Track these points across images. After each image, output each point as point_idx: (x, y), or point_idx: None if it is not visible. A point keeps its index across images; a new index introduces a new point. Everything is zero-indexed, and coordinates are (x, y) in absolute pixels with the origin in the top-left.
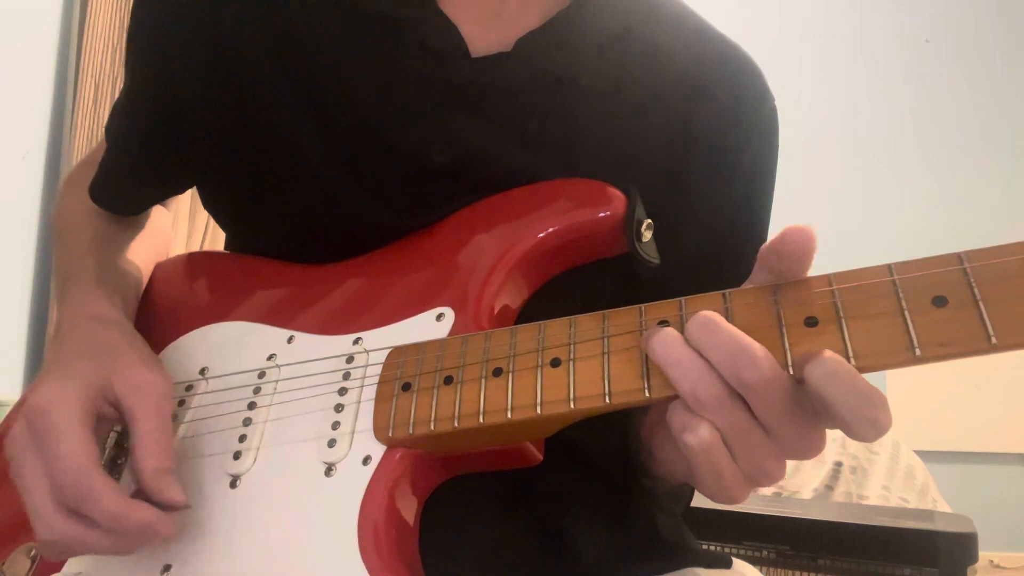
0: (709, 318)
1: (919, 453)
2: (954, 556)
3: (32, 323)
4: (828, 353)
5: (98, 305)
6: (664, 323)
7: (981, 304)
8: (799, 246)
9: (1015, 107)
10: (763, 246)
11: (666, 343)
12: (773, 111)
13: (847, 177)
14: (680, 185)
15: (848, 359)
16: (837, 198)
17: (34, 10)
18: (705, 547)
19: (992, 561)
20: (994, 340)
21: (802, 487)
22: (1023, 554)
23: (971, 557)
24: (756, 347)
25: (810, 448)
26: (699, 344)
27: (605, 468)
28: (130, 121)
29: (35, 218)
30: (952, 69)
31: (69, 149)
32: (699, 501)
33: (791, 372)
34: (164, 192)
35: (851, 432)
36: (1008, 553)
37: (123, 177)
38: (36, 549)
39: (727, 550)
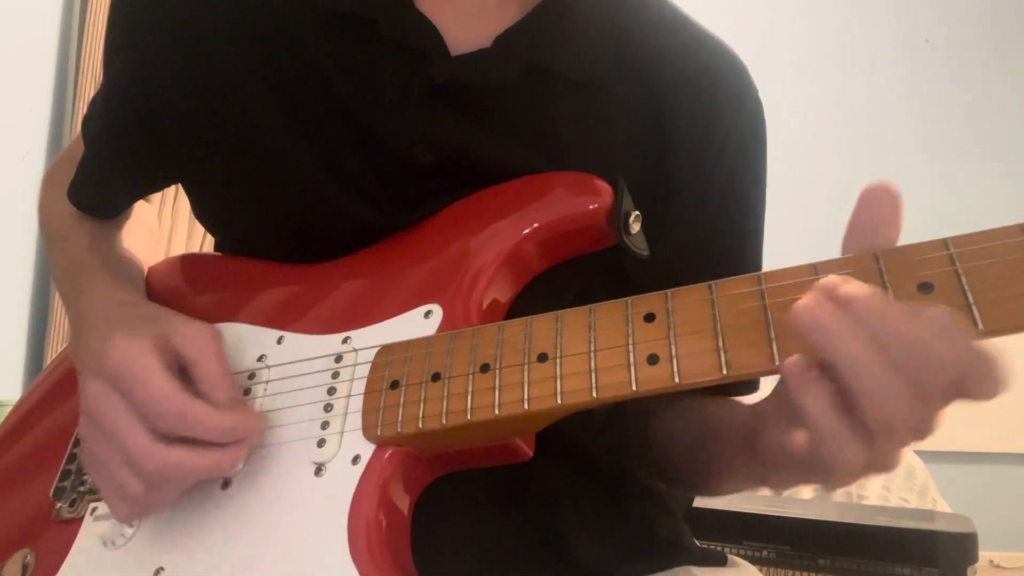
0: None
1: (919, 453)
2: (954, 556)
3: (32, 323)
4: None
5: (118, 292)
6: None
7: (968, 292)
8: (885, 206)
9: (1015, 107)
10: (851, 217)
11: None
12: (757, 103)
13: (846, 177)
14: (663, 178)
15: None
16: (836, 198)
17: (34, 10)
18: (703, 546)
19: (992, 561)
20: (981, 327)
21: (802, 487)
22: (1023, 554)
23: (971, 557)
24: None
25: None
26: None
27: (599, 466)
28: (107, 125)
29: (35, 218)
30: (952, 69)
31: None
32: (699, 501)
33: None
34: (141, 193)
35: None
36: (1008, 553)
37: (101, 182)
38: (30, 555)
39: (727, 550)
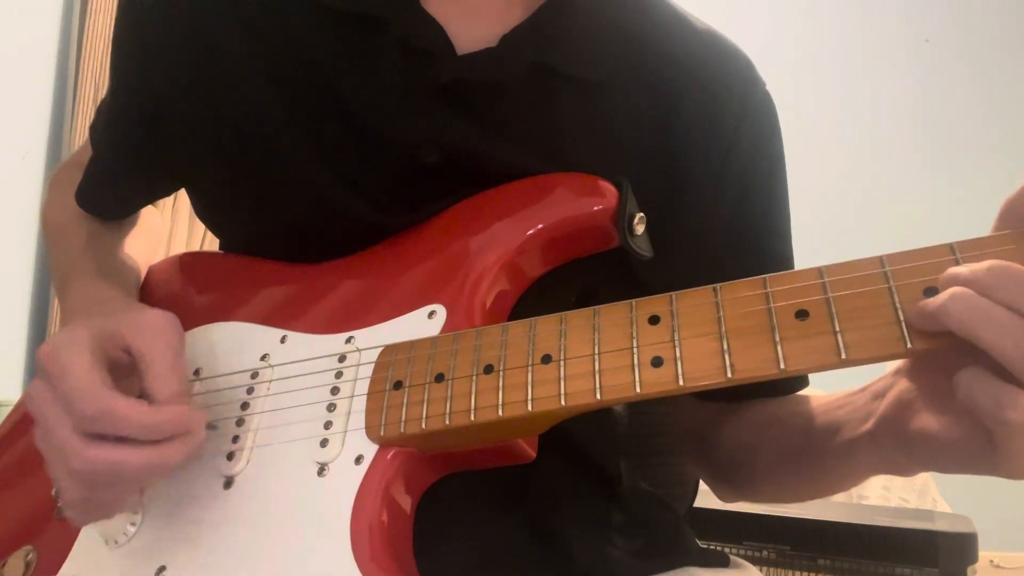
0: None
1: None
2: (954, 556)
3: (32, 323)
4: None
5: (101, 291)
6: (931, 290)
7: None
8: None
9: (1015, 107)
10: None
11: (967, 301)
12: (766, 96)
13: (846, 177)
14: (670, 178)
15: (839, 351)
16: (836, 198)
17: (34, 10)
18: (705, 547)
19: (992, 561)
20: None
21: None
22: (1023, 554)
23: (971, 557)
24: None
25: None
26: (1002, 295)
27: (601, 466)
28: (115, 128)
29: (35, 218)
30: (952, 69)
31: (69, 149)
32: (699, 501)
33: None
34: (150, 196)
35: None
36: (1008, 553)
37: (109, 184)
38: (32, 552)
39: (727, 550)
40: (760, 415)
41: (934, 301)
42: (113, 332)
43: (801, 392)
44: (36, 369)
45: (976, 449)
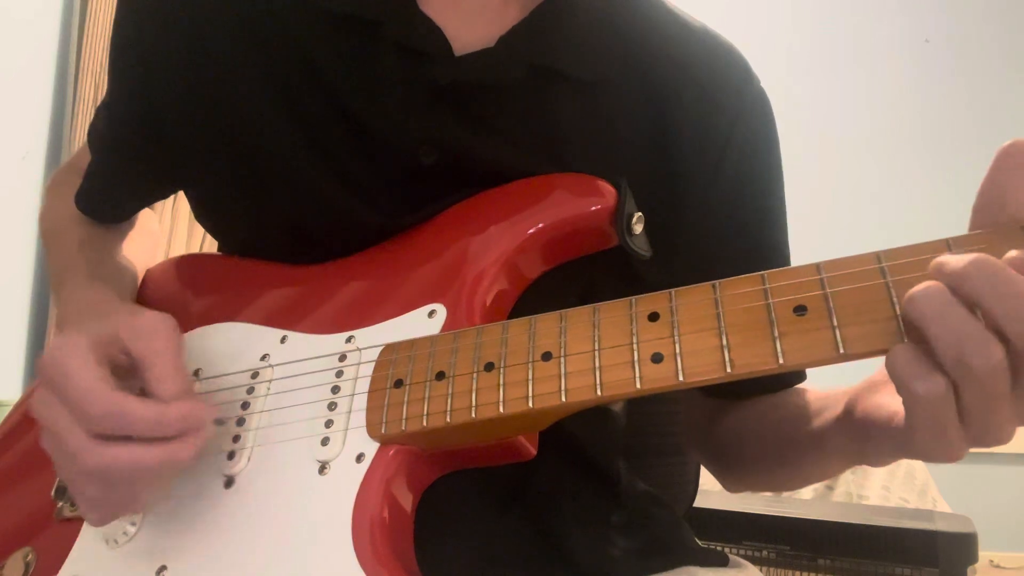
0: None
1: None
2: (954, 556)
3: (32, 323)
4: None
5: (95, 293)
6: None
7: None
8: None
9: (1015, 107)
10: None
11: (930, 297)
12: (761, 94)
13: (846, 177)
14: (668, 176)
15: (838, 346)
16: (836, 198)
17: (34, 10)
18: (704, 546)
19: (992, 561)
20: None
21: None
22: (1023, 554)
23: (971, 557)
24: None
25: None
26: (971, 284)
27: (600, 465)
28: (114, 132)
29: (35, 219)
30: (952, 69)
31: (69, 149)
32: (699, 501)
33: (781, 361)
34: (149, 198)
35: None
36: (1008, 553)
37: (109, 187)
38: (32, 553)
39: (727, 550)
40: (757, 407)
41: (909, 293)
42: (110, 335)
43: (800, 386)
44: (39, 378)
45: (901, 429)
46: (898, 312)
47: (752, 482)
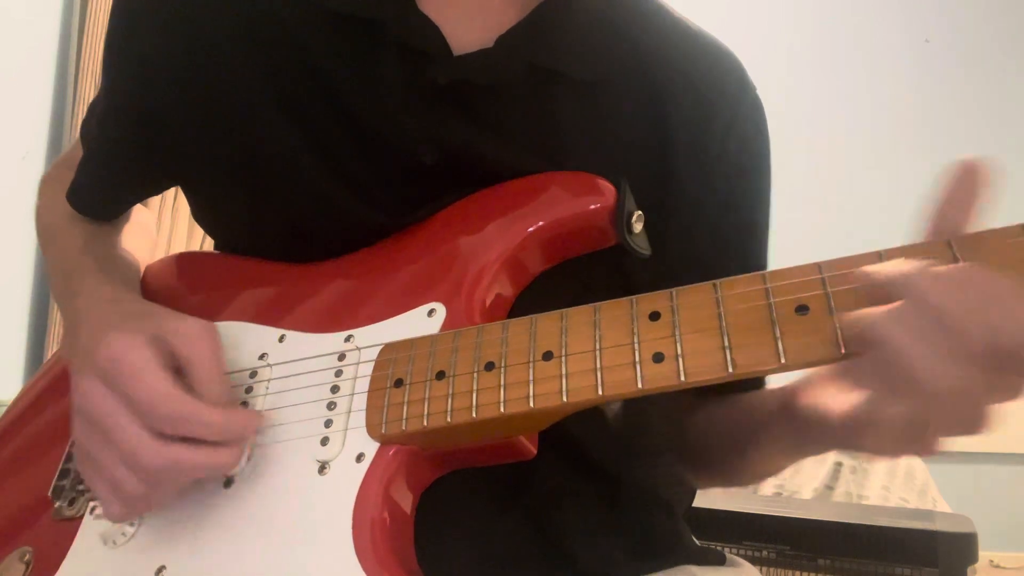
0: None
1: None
2: (954, 556)
3: (32, 323)
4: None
5: (110, 291)
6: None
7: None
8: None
9: (1015, 107)
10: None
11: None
12: (756, 100)
13: (846, 177)
14: (665, 177)
15: (839, 347)
16: (836, 198)
17: (34, 10)
18: (702, 545)
19: (992, 561)
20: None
21: (802, 487)
22: (1023, 554)
23: (971, 557)
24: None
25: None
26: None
27: (600, 465)
28: (109, 128)
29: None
30: (952, 69)
31: None
32: (699, 501)
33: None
34: (143, 194)
35: None
36: (1008, 553)
37: (102, 183)
38: (30, 553)
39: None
40: (725, 402)
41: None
42: (158, 336)
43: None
44: (85, 370)
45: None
46: None
47: (708, 476)
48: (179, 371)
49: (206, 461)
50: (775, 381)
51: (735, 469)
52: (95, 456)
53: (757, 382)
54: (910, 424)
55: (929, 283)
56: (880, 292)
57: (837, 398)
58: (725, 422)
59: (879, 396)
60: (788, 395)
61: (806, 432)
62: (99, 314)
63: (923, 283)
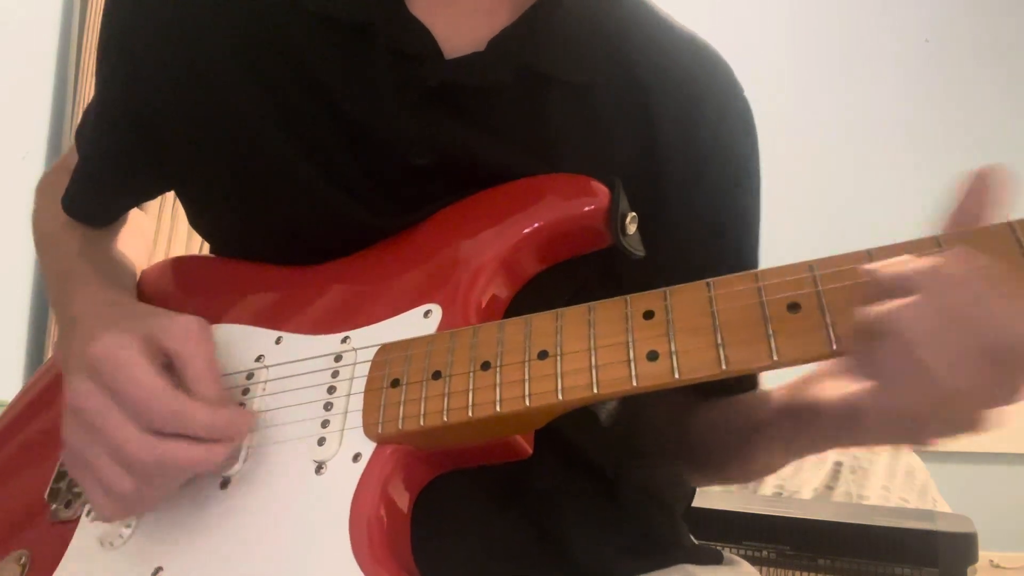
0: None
1: (919, 453)
2: (954, 556)
3: (32, 323)
4: None
5: (107, 294)
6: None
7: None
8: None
9: (1014, 107)
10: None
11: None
12: (744, 103)
13: (846, 177)
14: (655, 179)
15: (831, 342)
16: (836, 198)
17: (34, 10)
18: (699, 544)
19: (992, 561)
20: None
21: (802, 487)
22: (1023, 554)
23: (971, 557)
24: None
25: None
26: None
27: (597, 464)
28: (103, 133)
29: None
30: (952, 69)
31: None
32: (699, 501)
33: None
34: (139, 199)
35: None
36: (1008, 553)
37: (97, 189)
38: (26, 556)
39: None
40: (726, 403)
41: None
42: (149, 335)
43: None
44: (78, 369)
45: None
46: None
47: (708, 475)
48: (171, 368)
49: (198, 457)
50: (769, 380)
51: (735, 468)
52: (86, 455)
53: (751, 382)
54: (912, 418)
55: (945, 279)
56: (879, 290)
57: (838, 392)
58: (725, 422)
59: (885, 389)
60: (788, 393)
61: (806, 428)
62: (95, 316)
63: (939, 279)
